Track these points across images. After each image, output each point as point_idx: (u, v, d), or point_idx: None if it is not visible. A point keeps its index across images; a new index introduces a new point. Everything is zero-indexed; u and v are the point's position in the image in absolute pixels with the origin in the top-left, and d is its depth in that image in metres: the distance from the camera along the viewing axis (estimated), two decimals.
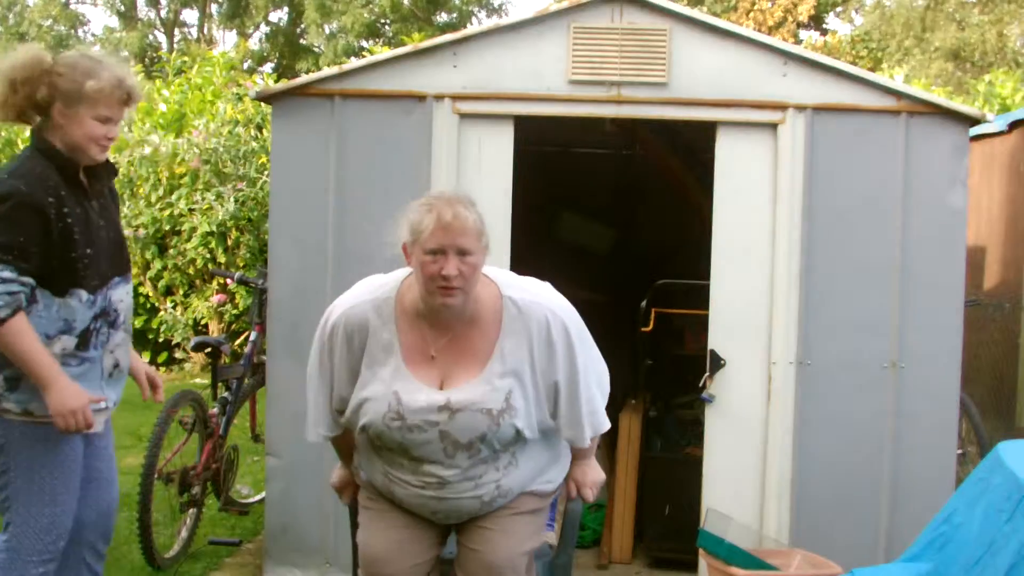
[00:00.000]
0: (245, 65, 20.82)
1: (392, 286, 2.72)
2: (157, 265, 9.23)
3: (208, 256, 8.97)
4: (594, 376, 2.79)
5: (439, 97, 4.17)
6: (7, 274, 2.65)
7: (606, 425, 2.83)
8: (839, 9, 25.83)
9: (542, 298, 2.73)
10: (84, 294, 2.82)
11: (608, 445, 5.22)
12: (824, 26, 26.84)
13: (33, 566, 2.80)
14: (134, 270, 9.34)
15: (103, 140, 2.83)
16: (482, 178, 4.20)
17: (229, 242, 9.00)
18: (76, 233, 2.77)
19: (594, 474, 2.99)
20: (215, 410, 4.75)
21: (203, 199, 8.92)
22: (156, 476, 4.38)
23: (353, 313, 2.70)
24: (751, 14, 23.91)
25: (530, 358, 2.66)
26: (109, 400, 2.95)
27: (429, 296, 2.59)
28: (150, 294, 9.47)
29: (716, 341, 4.20)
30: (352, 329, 2.68)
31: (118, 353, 2.96)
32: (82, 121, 2.79)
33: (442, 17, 29.88)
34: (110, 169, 2.99)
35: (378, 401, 2.65)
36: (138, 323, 9.59)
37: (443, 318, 2.65)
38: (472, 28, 4.54)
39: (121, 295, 2.95)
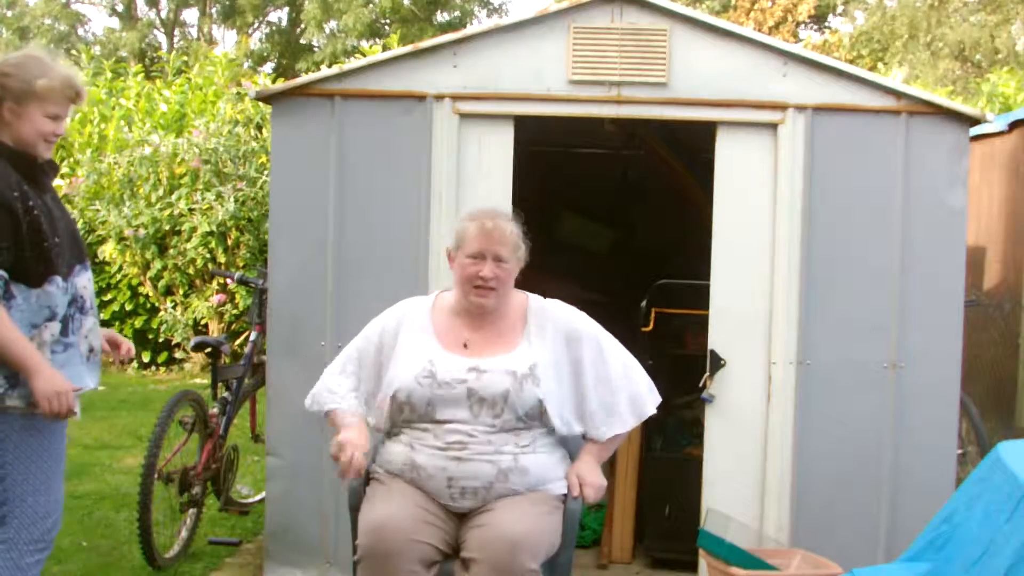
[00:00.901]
0: (245, 65, 20.83)
1: (429, 297, 3.20)
2: (157, 265, 9.23)
3: (208, 256, 8.97)
4: (631, 369, 3.12)
5: (439, 97, 4.17)
6: None
7: (650, 408, 3.12)
8: (840, 9, 25.80)
9: (565, 305, 3.13)
10: (60, 280, 2.90)
11: None
12: (826, 25, 26.82)
13: (29, 554, 2.87)
14: (134, 270, 9.36)
15: (51, 137, 2.94)
16: (482, 178, 4.20)
17: (229, 242, 9.01)
18: (43, 224, 2.85)
19: (599, 477, 3.02)
20: (215, 410, 4.74)
21: (203, 199, 8.92)
22: (156, 476, 4.37)
23: (400, 310, 3.14)
24: (751, 14, 23.91)
25: (553, 342, 3.02)
26: (91, 384, 3.03)
27: (465, 297, 3.00)
28: (150, 294, 9.47)
29: (716, 341, 4.20)
30: (398, 324, 3.08)
31: (91, 338, 3.04)
32: (32, 118, 2.88)
33: (442, 17, 29.88)
34: (53, 166, 3.08)
35: (412, 365, 2.95)
36: (138, 323, 9.60)
37: (477, 316, 3.02)
38: (472, 28, 4.54)
39: (84, 282, 3.03)
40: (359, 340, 3.14)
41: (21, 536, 2.86)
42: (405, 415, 2.97)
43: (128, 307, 9.60)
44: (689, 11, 4.25)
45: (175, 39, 31.38)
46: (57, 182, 10.08)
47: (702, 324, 4.28)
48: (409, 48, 4.24)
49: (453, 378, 2.91)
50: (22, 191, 2.82)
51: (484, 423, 2.89)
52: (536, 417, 2.93)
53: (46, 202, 2.93)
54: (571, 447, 3.13)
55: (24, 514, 2.86)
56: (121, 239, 9.20)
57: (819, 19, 26.33)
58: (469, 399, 2.90)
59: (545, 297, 3.22)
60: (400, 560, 2.74)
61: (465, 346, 2.99)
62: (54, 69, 2.91)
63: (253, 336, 5.01)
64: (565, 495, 3.03)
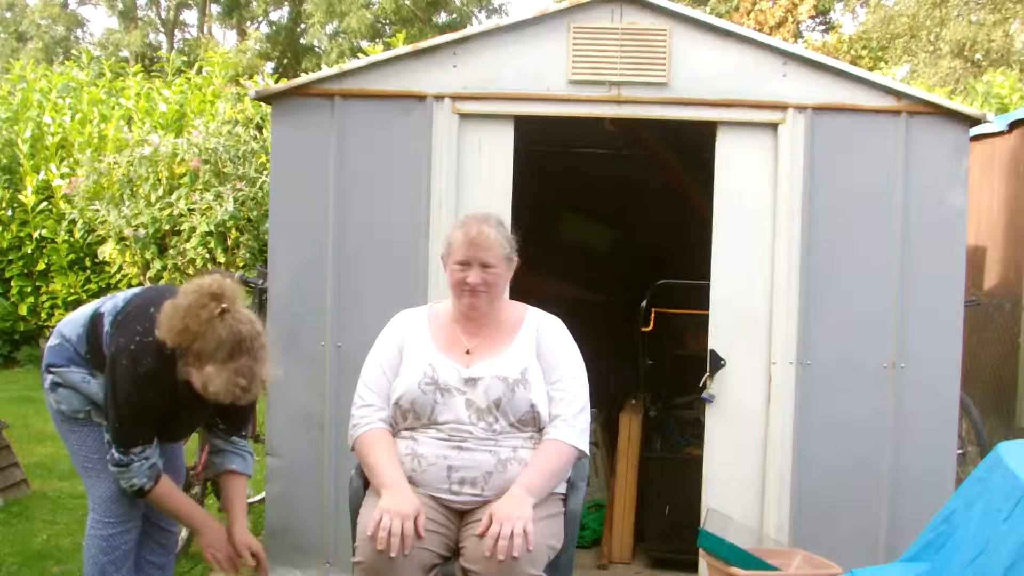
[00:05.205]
0: (245, 60, 20.81)
1: (423, 308, 3.25)
2: (157, 265, 9.22)
3: (208, 256, 8.95)
4: (583, 413, 3.05)
5: (439, 97, 4.17)
6: (148, 452, 3.04)
7: (570, 439, 2.99)
8: (840, 5, 25.77)
9: (561, 330, 3.14)
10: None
11: (608, 445, 5.22)
12: (830, 21, 26.78)
13: (103, 527, 3.19)
14: (134, 270, 9.34)
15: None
16: (482, 178, 4.20)
17: (229, 242, 9.00)
18: (163, 425, 3.12)
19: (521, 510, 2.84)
20: None
21: (203, 199, 8.91)
22: None
23: (400, 324, 3.18)
24: (751, 14, 23.89)
25: (539, 354, 3.05)
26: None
27: (458, 300, 3.05)
28: None
29: (716, 341, 4.20)
30: (402, 337, 3.12)
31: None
32: (192, 378, 2.91)
33: (442, 17, 29.87)
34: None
35: (414, 372, 3.00)
36: None
37: (473, 321, 3.06)
38: (472, 28, 4.53)
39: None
40: (372, 364, 3.11)
41: (97, 509, 3.19)
42: (409, 422, 3.00)
43: None
44: (689, 11, 4.26)
45: (175, 39, 31.37)
46: (57, 182, 10.12)
47: (702, 324, 4.27)
48: (409, 48, 4.24)
49: (453, 386, 2.97)
50: (174, 397, 3.00)
51: (482, 427, 2.95)
52: (529, 422, 2.97)
53: (186, 404, 3.06)
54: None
55: (93, 494, 3.20)
56: (121, 239, 9.19)
57: (821, 20, 26.29)
58: (468, 408, 2.96)
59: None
60: (400, 568, 2.74)
61: (468, 352, 3.03)
62: (244, 357, 2.88)
63: None
64: (565, 495, 3.05)
